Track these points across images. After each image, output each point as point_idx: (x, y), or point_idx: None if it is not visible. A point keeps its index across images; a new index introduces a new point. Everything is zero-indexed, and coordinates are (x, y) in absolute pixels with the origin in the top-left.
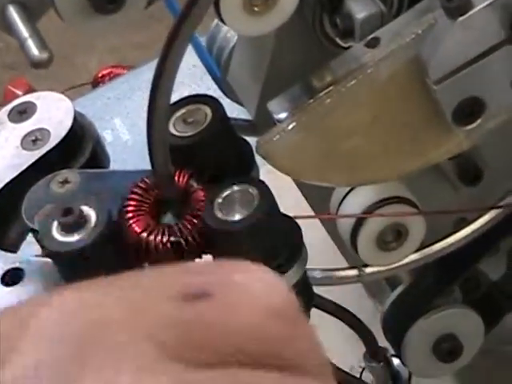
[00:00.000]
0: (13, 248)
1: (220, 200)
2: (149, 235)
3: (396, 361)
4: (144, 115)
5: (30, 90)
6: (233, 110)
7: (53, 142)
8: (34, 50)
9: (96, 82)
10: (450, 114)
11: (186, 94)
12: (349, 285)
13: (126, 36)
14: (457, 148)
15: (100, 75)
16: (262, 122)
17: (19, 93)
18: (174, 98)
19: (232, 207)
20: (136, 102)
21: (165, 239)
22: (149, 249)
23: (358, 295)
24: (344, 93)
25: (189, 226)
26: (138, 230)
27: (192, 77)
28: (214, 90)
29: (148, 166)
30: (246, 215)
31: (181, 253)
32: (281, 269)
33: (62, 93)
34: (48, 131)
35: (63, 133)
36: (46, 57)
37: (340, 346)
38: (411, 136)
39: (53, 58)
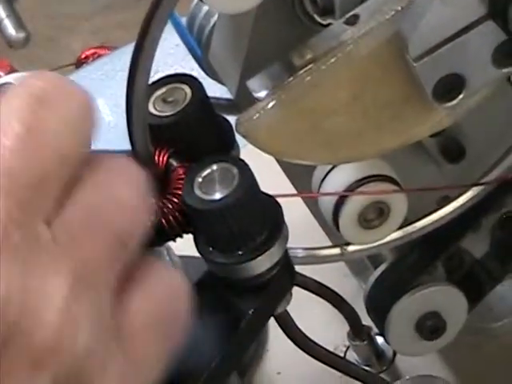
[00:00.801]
0: None
1: (200, 179)
2: None
3: (380, 339)
4: None
5: (12, 71)
6: (215, 90)
7: None
8: (10, 29)
9: (80, 63)
10: (430, 90)
11: (168, 73)
12: (332, 264)
13: (110, 17)
14: (438, 125)
15: (84, 56)
16: (243, 101)
17: (1, 74)
18: (157, 78)
19: (212, 186)
20: (119, 82)
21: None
22: None
23: (342, 274)
24: (324, 70)
25: (169, 205)
26: None
27: (175, 57)
28: (197, 70)
29: (127, 147)
30: (226, 194)
31: (161, 232)
32: (262, 247)
33: None
34: None
35: None
36: (23, 36)
37: (324, 325)
38: (392, 113)
39: (30, 37)
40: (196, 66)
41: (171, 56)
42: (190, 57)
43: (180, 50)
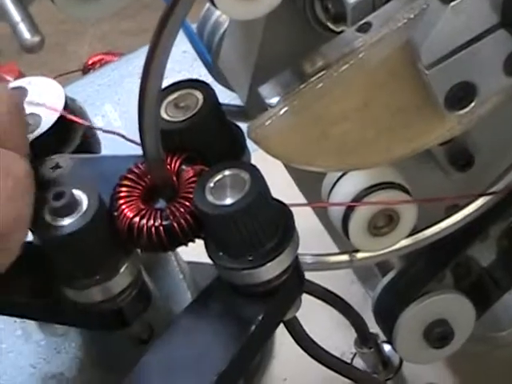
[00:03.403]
0: None
1: (211, 184)
2: (141, 219)
3: (387, 347)
4: (135, 102)
5: (20, 75)
6: (224, 97)
7: (44, 126)
8: (25, 33)
9: (86, 69)
10: (442, 98)
11: (176, 80)
12: (339, 271)
13: (117, 23)
14: (449, 133)
15: (90, 62)
16: (253, 107)
17: (10, 79)
18: (165, 84)
19: (223, 191)
20: (127, 88)
21: (157, 223)
22: (141, 233)
23: (349, 281)
24: (336, 77)
25: (181, 209)
26: (130, 214)
27: (183, 63)
28: (205, 77)
29: (138, 153)
30: (237, 199)
31: (173, 236)
32: (272, 253)
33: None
34: (39, 116)
35: (54, 117)
36: (38, 40)
37: (331, 333)
38: (403, 121)
39: (44, 41)
40: (203, 72)
41: (178, 63)
42: (197, 63)
43: (187, 57)
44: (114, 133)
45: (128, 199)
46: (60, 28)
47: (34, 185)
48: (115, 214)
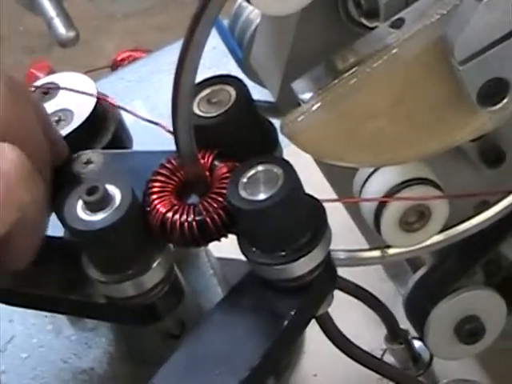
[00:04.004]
0: None
1: (245, 180)
2: (174, 215)
3: (417, 343)
4: (164, 98)
5: (51, 72)
6: (254, 93)
7: (76, 122)
8: (61, 28)
9: (115, 66)
10: (474, 94)
11: (206, 76)
12: (369, 267)
13: (144, 20)
14: (481, 129)
15: (119, 58)
16: (284, 103)
17: (41, 76)
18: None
19: (256, 186)
20: (156, 84)
21: (190, 218)
22: (174, 228)
23: (378, 278)
24: (369, 73)
25: (214, 205)
26: (162, 209)
27: (213, 59)
28: (235, 73)
29: (167, 149)
30: (271, 194)
31: (206, 232)
32: (305, 248)
33: None
34: (71, 112)
35: (86, 113)
36: (73, 35)
37: (361, 329)
38: (436, 117)
39: (79, 36)
40: (233, 68)
41: (208, 59)
42: (227, 59)
43: (217, 53)
44: (156, 123)
45: (161, 194)
46: (88, 24)
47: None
48: (148, 209)
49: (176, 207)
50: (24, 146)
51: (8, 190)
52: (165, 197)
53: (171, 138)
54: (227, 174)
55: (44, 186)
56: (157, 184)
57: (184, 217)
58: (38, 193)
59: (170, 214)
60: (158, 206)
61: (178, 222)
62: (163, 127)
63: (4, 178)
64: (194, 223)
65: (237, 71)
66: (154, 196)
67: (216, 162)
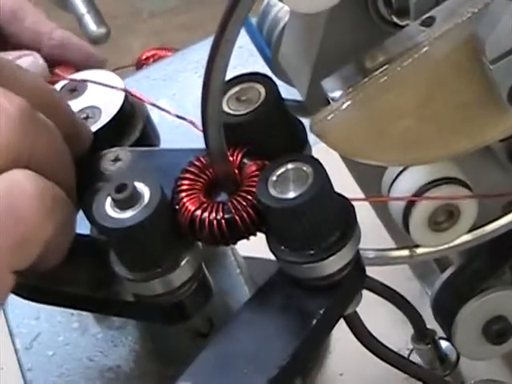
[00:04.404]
0: None
1: (274, 178)
2: (203, 213)
3: (444, 343)
4: (190, 97)
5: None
6: (282, 92)
7: (104, 119)
8: (91, 25)
9: (140, 64)
10: (505, 93)
11: (231, 75)
12: (396, 267)
13: (170, 18)
14: (511, 129)
15: (144, 57)
16: (313, 102)
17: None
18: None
19: (286, 185)
20: (182, 83)
21: (219, 216)
22: (203, 226)
23: (405, 277)
24: (399, 72)
25: (243, 203)
26: (191, 207)
27: (238, 58)
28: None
29: (194, 147)
30: (300, 193)
31: (235, 230)
32: (334, 247)
33: None
34: (99, 109)
35: (114, 110)
36: (104, 32)
37: (388, 328)
38: (466, 116)
39: (110, 33)
40: (259, 67)
41: (234, 58)
42: (253, 58)
43: (243, 52)
44: (185, 119)
45: (190, 192)
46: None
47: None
48: (177, 207)
49: (205, 205)
50: (48, 170)
51: (28, 230)
52: (194, 195)
53: (198, 135)
54: (256, 172)
55: (71, 206)
56: (186, 182)
57: (213, 215)
58: (63, 216)
59: (198, 212)
60: (187, 203)
61: (206, 220)
62: (194, 124)
63: (22, 220)
64: (223, 221)
65: (262, 71)
66: (183, 194)
67: (245, 160)
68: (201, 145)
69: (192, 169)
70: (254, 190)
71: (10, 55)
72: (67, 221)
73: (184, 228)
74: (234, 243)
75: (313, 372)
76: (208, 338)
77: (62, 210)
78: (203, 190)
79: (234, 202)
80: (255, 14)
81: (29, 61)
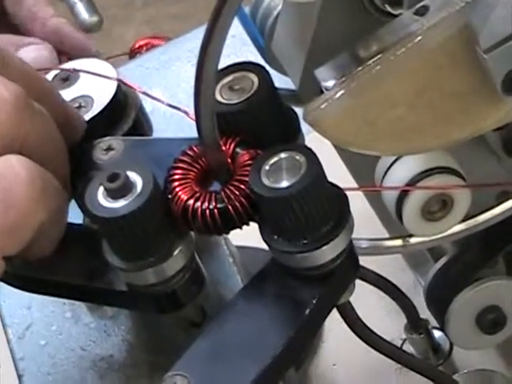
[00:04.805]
0: None
1: (267, 167)
2: (195, 202)
3: (437, 333)
4: (183, 86)
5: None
6: (275, 81)
7: (96, 108)
8: (83, 13)
9: (133, 53)
10: (499, 83)
11: (224, 64)
12: (389, 257)
13: (163, 8)
14: (506, 118)
15: (137, 46)
16: (306, 91)
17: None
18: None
19: (279, 174)
20: (175, 72)
21: (211, 206)
22: (196, 216)
23: (399, 267)
24: (393, 61)
25: (236, 192)
26: (184, 197)
27: (231, 47)
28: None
29: (189, 136)
30: (293, 182)
31: (228, 219)
32: (327, 236)
33: None
34: (91, 98)
35: (107, 100)
36: (97, 20)
37: (381, 318)
38: (460, 105)
39: (103, 21)
40: (252, 57)
41: (227, 47)
42: (246, 48)
43: (236, 41)
44: (178, 108)
45: (182, 182)
46: (106, 13)
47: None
48: (169, 196)
49: (198, 195)
50: (42, 157)
51: (20, 215)
52: (186, 184)
53: (191, 125)
54: (249, 162)
55: (64, 194)
56: (178, 171)
57: (206, 204)
58: (56, 204)
59: (191, 202)
60: (180, 193)
61: (199, 210)
62: (187, 114)
63: (14, 204)
64: (216, 211)
65: (255, 60)
66: (176, 183)
67: (238, 150)
68: (194, 134)
69: (185, 158)
70: (246, 179)
71: (22, 41)
72: (60, 208)
73: (177, 217)
74: (227, 233)
75: (306, 362)
76: (201, 327)
77: (54, 197)
78: (196, 179)
79: (227, 191)
80: (248, 2)
81: (35, 50)
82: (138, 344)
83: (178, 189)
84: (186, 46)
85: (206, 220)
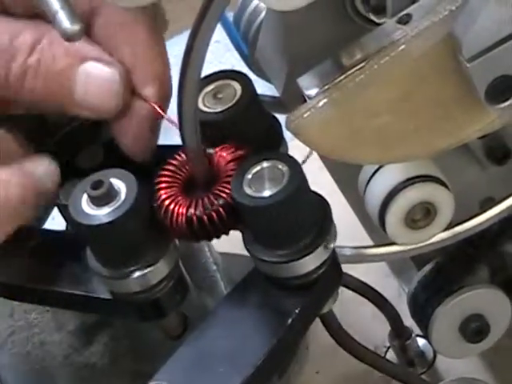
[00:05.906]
0: (38, 222)
1: (249, 176)
2: (179, 209)
3: (421, 341)
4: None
5: None
6: (258, 87)
7: None
8: (65, 22)
9: None
10: (482, 92)
11: (208, 71)
12: (373, 264)
13: None
14: (489, 126)
15: None
16: (290, 99)
17: None
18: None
19: (261, 183)
20: None
21: (198, 212)
22: (179, 223)
23: (383, 275)
24: (376, 70)
25: (220, 199)
26: (169, 204)
27: (215, 53)
28: (237, 67)
29: (172, 143)
30: (276, 191)
31: (212, 226)
32: (310, 246)
33: None
34: None
35: None
36: (78, 29)
37: (365, 326)
38: (443, 114)
39: (84, 30)
40: (235, 63)
41: (210, 53)
42: (230, 54)
43: (219, 47)
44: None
45: (168, 189)
46: None
47: None
48: (154, 203)
49: (182, 201)
50: None
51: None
52: (172, 191)
53: (176, 131)
54: (233, 167)
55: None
56: (164, 179)
57: (191, 211)
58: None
59: (176, 208)
60: (165, 200)
61: (184, 217)
62: (172, 121)
63: None
64: (201, 218)
65: (239, 66)
66: (162, 191)
67: (223, 153)
68: (179, 141)
69: (170, 166)
70: (228, 187)
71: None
72: None
73: (161, 225)
74: (211, 240)
75: (289, 369)
76: (183, 335)
77: None
78: (182, 186)
79: (211, 198)
80: (232, 9)
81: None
82: (121, 352)
83: (163, 196)
84: (173, 49)
85: (190, 227)
